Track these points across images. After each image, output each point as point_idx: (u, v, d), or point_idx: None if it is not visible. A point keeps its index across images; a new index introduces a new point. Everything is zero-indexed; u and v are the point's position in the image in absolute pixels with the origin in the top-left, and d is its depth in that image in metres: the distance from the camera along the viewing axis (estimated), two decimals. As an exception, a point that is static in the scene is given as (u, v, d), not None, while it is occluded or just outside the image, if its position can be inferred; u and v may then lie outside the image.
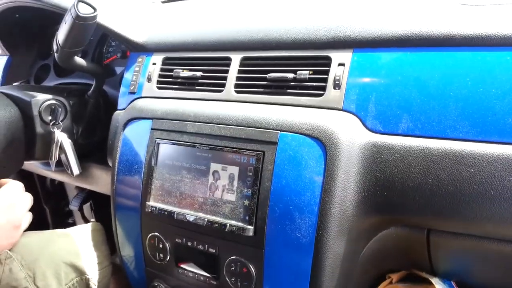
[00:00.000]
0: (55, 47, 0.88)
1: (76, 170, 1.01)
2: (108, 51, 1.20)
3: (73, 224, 1.75)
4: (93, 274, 0.92)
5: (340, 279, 0.71)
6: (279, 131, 0.72)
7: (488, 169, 0.60)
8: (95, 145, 1.10)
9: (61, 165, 1.03)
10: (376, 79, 0.70)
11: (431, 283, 0.81)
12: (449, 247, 0.71)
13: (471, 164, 0.61)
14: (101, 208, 1.50)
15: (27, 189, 0.88)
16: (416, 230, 0.72)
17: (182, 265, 0.84)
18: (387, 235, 0.73)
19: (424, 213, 0.66)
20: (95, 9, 0.80)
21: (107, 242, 1.01)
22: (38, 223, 1.58)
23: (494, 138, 0.61)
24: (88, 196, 1.50)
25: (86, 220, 1.54)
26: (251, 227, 0.73)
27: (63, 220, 1.76)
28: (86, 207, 1.54)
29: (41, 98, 0.97)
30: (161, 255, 0.85)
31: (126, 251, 0.93)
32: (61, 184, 1.69)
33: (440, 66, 0.66)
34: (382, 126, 0.68)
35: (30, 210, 0.87)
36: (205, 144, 0.79)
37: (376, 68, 0.71)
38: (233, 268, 0.76)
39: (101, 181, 1.10)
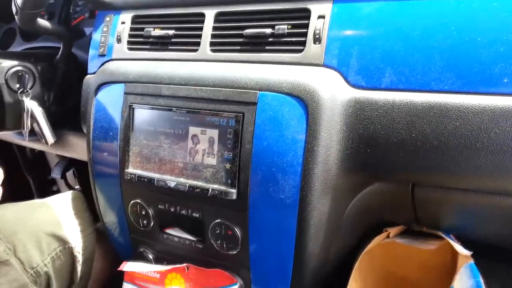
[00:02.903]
0: (14, 10, 0.82)
1: (50, 139, 0.98)
2: (75, 11, 1.12)
3: (58, 192, 1.73)
4: (77, 242, 0.90)
5: (325, 238, 0.71)
6: (258, 91, 0.69)
7: (474, 122, 0.58)
8: (69, 112, 1.05)
9: (35, 135, 0.99)
10: (357, 31, 0.66)
11: (430, 237, 0.81)
12: (434, 200, 0.71)
13: (456, 117, 0.59)
14: (84, 174, 1.48)
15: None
16: (401, 185, 0.71)
17: (167, 230, 0.83)
18: (371, 192, 0.73)
19: (408, 169, 0.65)
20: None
21: (89, 210, 0.99)
22: (23, 193, 1.55)
23: (480, 89, 0.58)
24: (70, 163, 1.47)
25: (71, 188, 1.51)
26: (234, 191, 0.71)
27: (47, 188, 1.73)
28: (70, 174, 1.52)
29: (6, 65, 0.91)
30: (145, 222, 0.84)
31: (109, 218, 0.91)
32: (41, 152, 1.65)
33: (424, 15, 0.62)
34: (365, 81, 0.66)
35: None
36: (182, 108, 0.75)
37: (357, 19, 0.67)
38: (218, 231, 0.75)
39: (78, 148, 1.07)
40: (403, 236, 0.82)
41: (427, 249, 0.81)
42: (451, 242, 0.74)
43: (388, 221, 0.83)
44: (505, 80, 0.57)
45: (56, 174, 1.50)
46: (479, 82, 0.58)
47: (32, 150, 1.62)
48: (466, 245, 0.74)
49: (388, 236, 0.81)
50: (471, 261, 0.71)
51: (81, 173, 1.49)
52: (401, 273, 0.89)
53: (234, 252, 0.75)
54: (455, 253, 0.76)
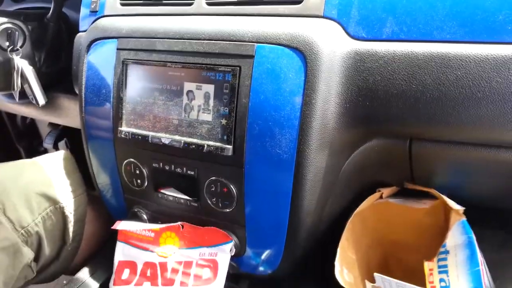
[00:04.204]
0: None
1: (41, 99, 0.95)
2: (66, -31, 1.09)
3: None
4: (68, 202, 0.89)
5: (321, 193, 0.70)
6: (256, 43, 0.67)
7: (475, 71, 0.57)
8: (61, 73, 1.03)
9: (26, 96, 0.97)
10: (358, -20, 0.64)
11: (423, 197, 0.80)
12: (431, 156, 0.70)
13: (457, 66, 0.58)
14: (77, 144, 1.45)
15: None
16: (399, 141, 0.70)
17: (161, 190, 0.82)
18: (368, 148, 0.72)
19: (408, 121, 0.63)
20: None
21: (80, 171, 0.97)
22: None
23: (482, 38, 0.57)
24: (62, 133, 1.45)
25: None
26: (229, 147, 0.70)
27: (39, 159, 1.70)
28: (62, 145, 1.50)
29: (-5, 22, 0.88)
30: (139, 181, 0.83)
31: (103, 180, 0.90)
32: (32, 122, 1.62)
33: (428, -39, 0.60)
34: (366, 32, 0.64)
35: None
36: (177, 62, 0.73)
37: (358, -32, 0.65)
38: (213, 189, 0.74)
39: (71, 112, 1.05)
40: (396, 197, 0.82)
41: (420, 208, 0.81)
42: (444, 197, 0.73)
43: (383, 182, 0.82)
44: (509, 28, 0.55)
45: (48, 143, 1.48)
46: (482, 31, 0.57)
47: (23, 119, 1.60)
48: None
49: (381, 197, 0.80)
50: (463, 218, 0.71)
51: (74, 143, 1.46)
52: (394, 236, 0.89)
53: (229, 210, 0.75)
54: (448, 213, 0.76)
